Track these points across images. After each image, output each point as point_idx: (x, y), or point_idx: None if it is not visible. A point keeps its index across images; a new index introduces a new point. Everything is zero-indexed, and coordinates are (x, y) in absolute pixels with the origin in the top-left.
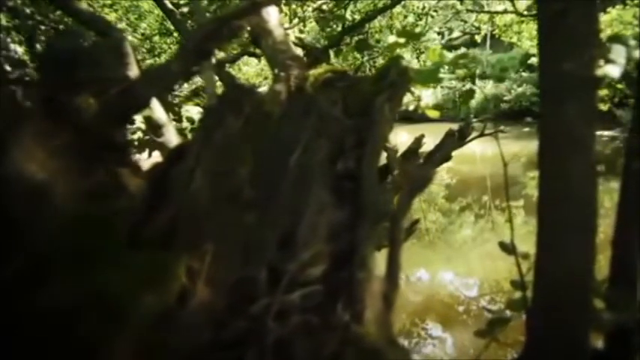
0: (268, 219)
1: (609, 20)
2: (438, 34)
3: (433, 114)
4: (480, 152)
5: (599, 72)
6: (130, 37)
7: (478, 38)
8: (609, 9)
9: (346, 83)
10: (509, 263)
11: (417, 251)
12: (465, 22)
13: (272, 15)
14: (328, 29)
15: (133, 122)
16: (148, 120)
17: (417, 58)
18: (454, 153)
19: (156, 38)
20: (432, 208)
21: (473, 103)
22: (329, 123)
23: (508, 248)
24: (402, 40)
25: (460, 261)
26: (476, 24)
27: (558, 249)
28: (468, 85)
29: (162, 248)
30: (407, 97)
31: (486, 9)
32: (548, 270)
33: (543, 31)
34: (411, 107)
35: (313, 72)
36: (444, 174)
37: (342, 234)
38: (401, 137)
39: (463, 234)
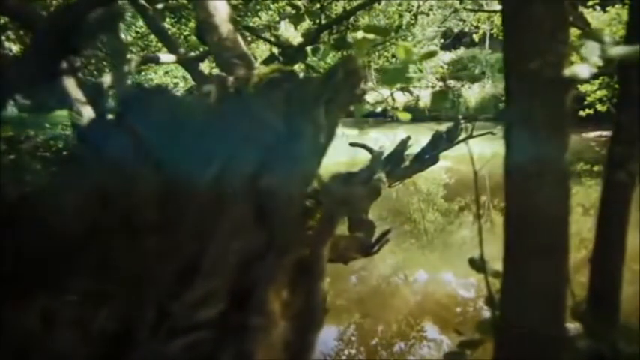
0: (170, 245)
1: (608, 20)
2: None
3: (404, 116)
4: (479, 152)
5: (568, 72)
6: (124, 36)
7: (476, 37)
8: (608, 8)
9: (292, 84)
10: None
11: (415, 252)
12: (464, 20)
13: (219, 9)
14: (306, 26)
15: None
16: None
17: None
18: (453, 153)
19: (151, 37)
20: (430, 208)
21: (473, 102)
22: (261, 130)
23: (478, 265)
24: (370, 37)
25: (458, 261)
26: (474, 23)
27: (526, 273)
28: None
29: (12, 290)
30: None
31: (485, 8)
32: (514, 294)
33: (507, 26)
34: (379, 109)
35: (258, 71)
36: (442, 174)
37: (254, 264)
38: (400, 136)
39: (462, 234)
